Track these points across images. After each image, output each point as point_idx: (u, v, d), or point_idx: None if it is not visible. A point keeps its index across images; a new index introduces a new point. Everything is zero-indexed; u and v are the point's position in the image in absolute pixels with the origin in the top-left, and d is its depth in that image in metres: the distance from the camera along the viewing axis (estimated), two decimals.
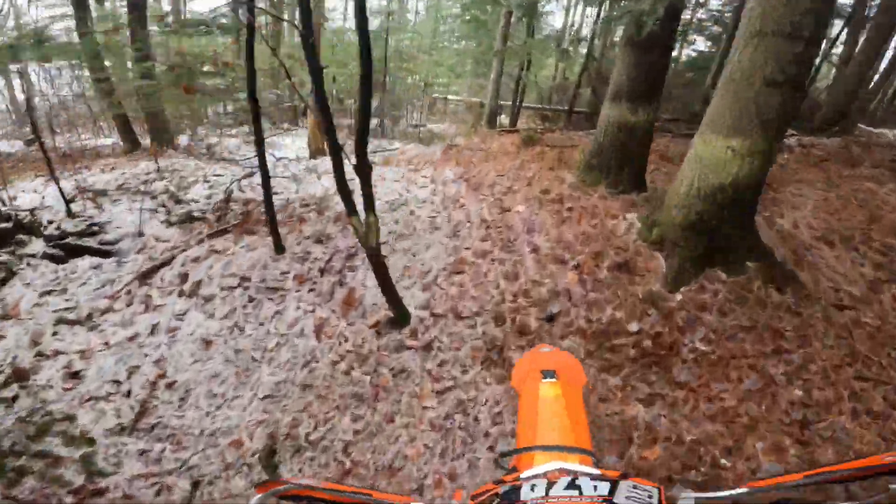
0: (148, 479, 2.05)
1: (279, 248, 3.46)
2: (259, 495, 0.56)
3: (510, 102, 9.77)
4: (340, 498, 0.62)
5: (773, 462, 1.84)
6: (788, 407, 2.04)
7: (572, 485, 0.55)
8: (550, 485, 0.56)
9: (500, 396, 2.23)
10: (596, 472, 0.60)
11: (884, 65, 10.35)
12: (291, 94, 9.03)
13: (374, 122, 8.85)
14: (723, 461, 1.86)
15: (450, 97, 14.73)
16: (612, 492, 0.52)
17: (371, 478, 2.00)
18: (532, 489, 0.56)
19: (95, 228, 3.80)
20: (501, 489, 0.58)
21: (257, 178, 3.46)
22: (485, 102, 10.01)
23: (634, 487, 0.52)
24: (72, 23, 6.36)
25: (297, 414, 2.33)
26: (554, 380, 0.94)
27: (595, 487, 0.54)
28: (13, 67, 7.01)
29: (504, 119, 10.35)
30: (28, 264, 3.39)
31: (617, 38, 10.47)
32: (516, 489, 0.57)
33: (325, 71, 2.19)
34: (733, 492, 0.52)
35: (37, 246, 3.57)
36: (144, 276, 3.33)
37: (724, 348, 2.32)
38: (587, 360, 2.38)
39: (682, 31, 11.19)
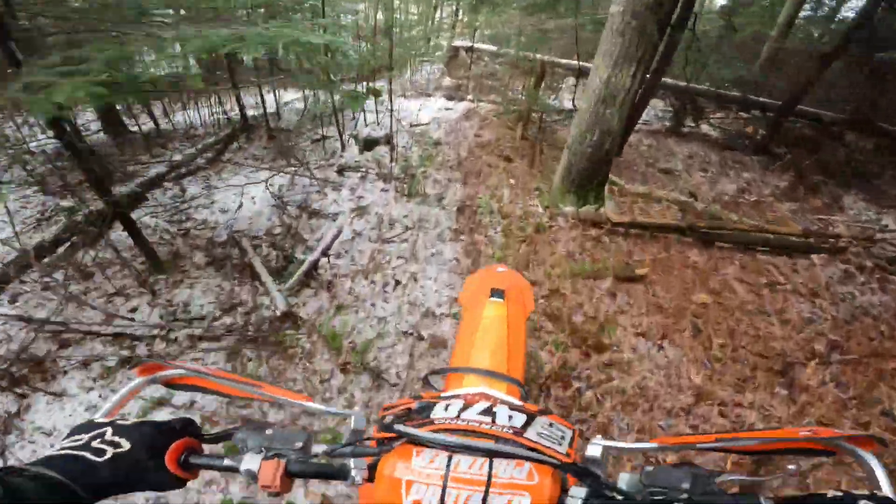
0: None
1: None
2: (139, 378, 0.55)
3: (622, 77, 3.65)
4: (227, 388, 0.57)
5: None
6: None
7: (488, 411, 0.51)
8: (465, 407, 0.52)
9: None
10: (517, 403, 0.57)
11: None
12: None
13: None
14: None
15: (479, 46, 8.40)
16: (525, 425, 0.49)
17: None
18: (445, 409, 0.53)
19: None
20: (416, 404, 0.56)
21: None
22: (546, 60, 4.13)
23: (550, 425, 0.51)
24: None
25: None
26: (501, 300, 0.91)
27: (510, 417, 0.50)
28: None
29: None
30: None
31: None
32: (430, 406, 0.54)
33: None
34: (642, 445, 0.52)
35: None
36: None
37: None
38: None
39: None
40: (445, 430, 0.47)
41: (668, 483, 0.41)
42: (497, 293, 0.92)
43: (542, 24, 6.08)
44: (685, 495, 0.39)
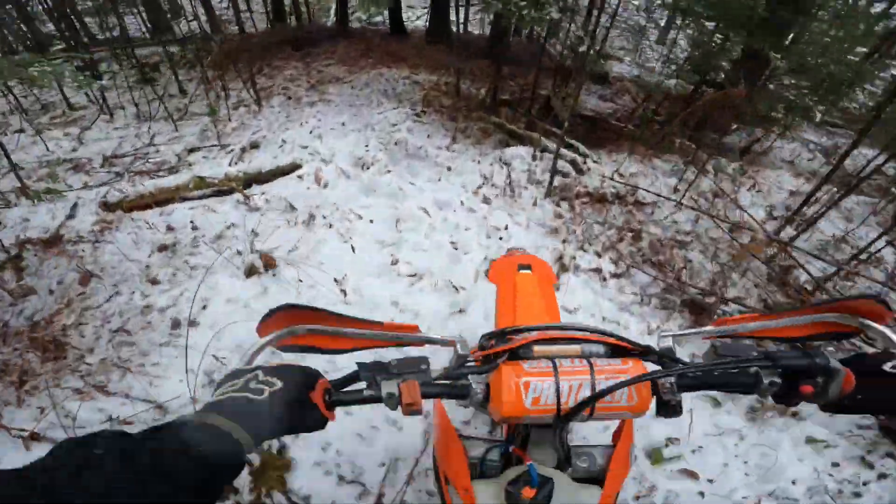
0: None
1: None
2: (261, 339, 0.56)
3: None
4: (341, 340, 0.59)
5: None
6: None
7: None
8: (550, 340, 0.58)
9: None
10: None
11: None
12: None
13: None
14: None
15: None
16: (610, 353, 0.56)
17: None
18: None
19: None
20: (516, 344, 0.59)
21: None
22: None
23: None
24: None
25: None
26: (529, 271, 1.04)
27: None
28: None
29: None
30: None
31: None
32: (520, 330, 0.60)
33: None
34: (700, 329, 0.58)
35: None
36: None
37: None
38: None
39: None
40: (542, 341, 0.54)
41: (737, 352, 0.49)
42: (524, 266, 1.04)
43: None
44: (755, 355, 0.47)
